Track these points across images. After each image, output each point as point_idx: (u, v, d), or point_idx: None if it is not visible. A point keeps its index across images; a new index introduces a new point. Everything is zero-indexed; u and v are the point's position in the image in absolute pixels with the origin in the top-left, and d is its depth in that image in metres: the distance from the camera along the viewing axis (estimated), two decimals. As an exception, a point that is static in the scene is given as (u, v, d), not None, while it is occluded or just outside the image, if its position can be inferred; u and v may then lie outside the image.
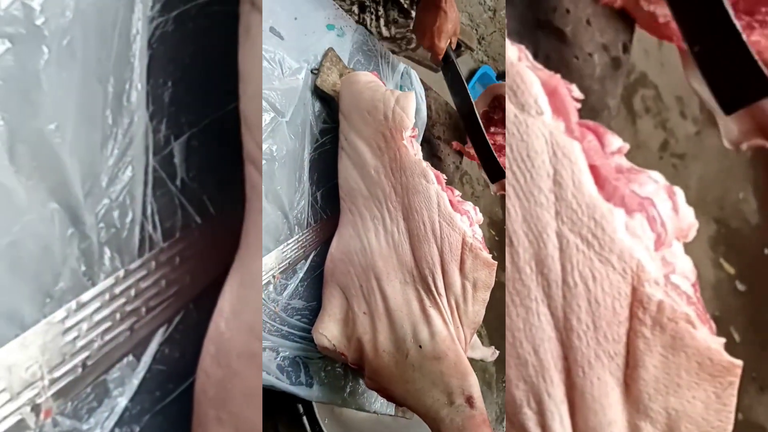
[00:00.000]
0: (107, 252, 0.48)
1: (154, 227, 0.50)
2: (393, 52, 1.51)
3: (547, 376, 0.44)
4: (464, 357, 0.70)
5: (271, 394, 0.79)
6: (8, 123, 0.41)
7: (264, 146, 0.78)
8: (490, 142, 1.07)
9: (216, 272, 0.53)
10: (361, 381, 0.90)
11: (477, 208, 0.79)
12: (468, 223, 0.75)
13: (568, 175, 0.43)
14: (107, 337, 0.48)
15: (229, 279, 0.48)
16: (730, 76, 0.49)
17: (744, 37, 0.47)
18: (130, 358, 0.50)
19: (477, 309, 0.75)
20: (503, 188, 1.07)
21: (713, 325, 0.43)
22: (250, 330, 0.46)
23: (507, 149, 0.45)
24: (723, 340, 0.42)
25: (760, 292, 2.61)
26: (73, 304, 0.45)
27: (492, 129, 1.11)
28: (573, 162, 0.43)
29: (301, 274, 0.84)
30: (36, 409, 0.44)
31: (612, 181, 0.43)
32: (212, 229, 0.54)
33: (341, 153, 0.84)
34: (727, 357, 0.41)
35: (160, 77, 0.50)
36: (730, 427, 0.43)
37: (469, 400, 0.65)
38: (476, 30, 2.45)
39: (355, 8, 1.35)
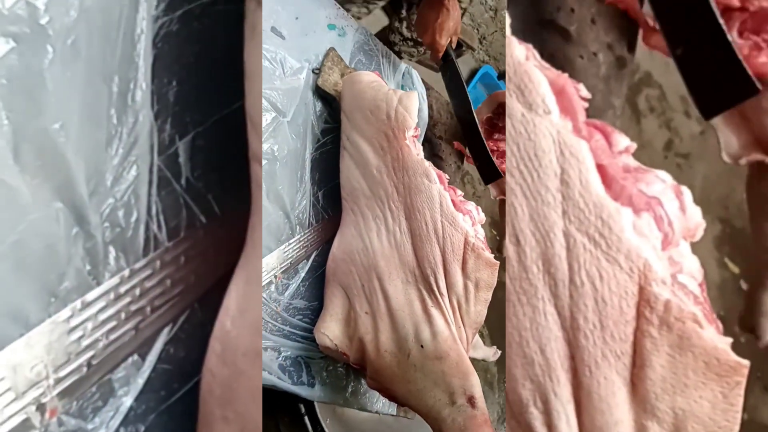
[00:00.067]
0: (112, 251, 0.47)
1: (159, 226, 0.50)
2: (410, 55, 1.53)
3: (554, 376, 0.44)
4: (466, 357, 0.70)
5: (272, 394, 0.79)
6: (13, 122, 0.41)
7: (265, 146, 0.78)
8: (494, 148, 1.07)
9: (221, 271, 0.53)
10: (362, 381, 0.90)
11: (479, 208, 0.79)
12: (470, 222, 0.75)
13: (575, 174, 0.42)
14: (112, 337, 0.48)
15: (235, 277, 0.48)
16: (712, 77, 0.48)
17: (729, 36, 0.46)
18: (135, 357, 0.50)
19: (479, 309, 0.75)
20: (503, 193, 1.07)
21: (720, 325, 0.43)
22: (256, 328, 0.46)
23: (512, 148, 0.45)
24: (730, 339, 0.42)
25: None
26: (78, 304, 0.45)
27: (496, 135, 1.10)
28: (580, 161, 0.42)
29: (302, 274, 0.84)
30: (41, 408, 0.44)
31: (619, 180, 0.43)
32: (217, 229, 0.54)
33: (343, 153, 0.83)
34: (734, 357, 0.41)
35: (165, 76, 0.50)
36: (737, 427, 0.43)
37: (471, 400, 0.65)
38: (477, 30, 2.45)
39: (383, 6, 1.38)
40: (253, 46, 0.47)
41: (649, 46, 0.63)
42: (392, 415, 1.00)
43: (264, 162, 0.77)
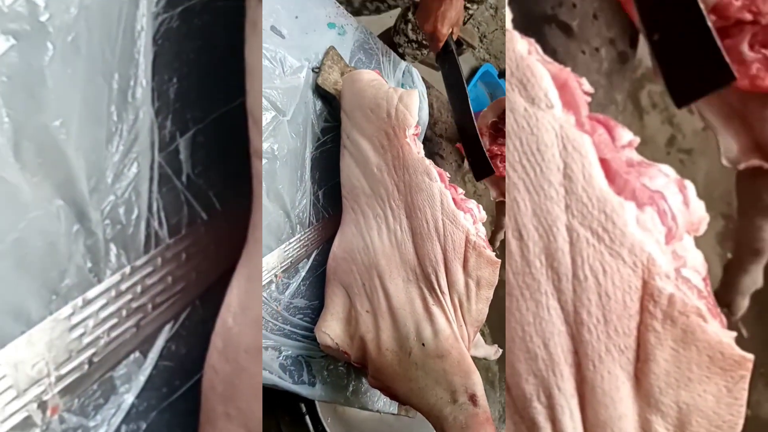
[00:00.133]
0: (113, 248, 0.47)
1: (160, 223, 0.50)
2: (414, 57, 1.54)
3: (557, 370, 0.44)
4: (467, 355, 0.70)
5: (273, 394, 0.78)
6: (13, 120, 0.41)
7: (265, 145, 0.78)
8: (498, 152, 1.06)
9: (222, 268, 0.53)
10: (363, 380, 0.89)
11: (480, 206, 0.79)
12: (471, 221, 0.75)
13: (578, 168, 0.42)
14: (113, 334, 0.47)
15: (236, 274, 0.48)
16: (689, 63, 0.47)
17: (708, 22, 0.46)
18: (137, 354, 0.49)
19: (480, 307, 0.75)
20: (503, 194, 1.07)
21: (724, 319, 0.43)
22: (258, 325, 0.46)
23: (514, 143, 0.44)
24: (734, 333, 0.42)
25: (768, 288, 2.60)
26: (79, 301, 0.45)
27: (500, 140, 1.10)
28: (583, 155, 0.42)
29: (303, 273, 0.83)
30: (42, 406, 0.44)
31: (623, 174, 0.43)
32: (218, 225, 0.54)
33: (343, 151, 0.83)
34: (738, 351, 0.41)
35: (165, 73, 0.50)
36: (741, 420, 0.42)
37: (473, 399, 0.65)
38: (478, 28, 2.45)
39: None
40: (254, 42, 0.47)
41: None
42: (393, 414, 1.00)
43: (264, 161, 0.77)
